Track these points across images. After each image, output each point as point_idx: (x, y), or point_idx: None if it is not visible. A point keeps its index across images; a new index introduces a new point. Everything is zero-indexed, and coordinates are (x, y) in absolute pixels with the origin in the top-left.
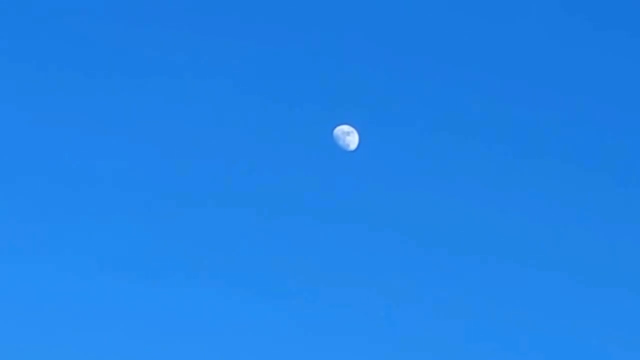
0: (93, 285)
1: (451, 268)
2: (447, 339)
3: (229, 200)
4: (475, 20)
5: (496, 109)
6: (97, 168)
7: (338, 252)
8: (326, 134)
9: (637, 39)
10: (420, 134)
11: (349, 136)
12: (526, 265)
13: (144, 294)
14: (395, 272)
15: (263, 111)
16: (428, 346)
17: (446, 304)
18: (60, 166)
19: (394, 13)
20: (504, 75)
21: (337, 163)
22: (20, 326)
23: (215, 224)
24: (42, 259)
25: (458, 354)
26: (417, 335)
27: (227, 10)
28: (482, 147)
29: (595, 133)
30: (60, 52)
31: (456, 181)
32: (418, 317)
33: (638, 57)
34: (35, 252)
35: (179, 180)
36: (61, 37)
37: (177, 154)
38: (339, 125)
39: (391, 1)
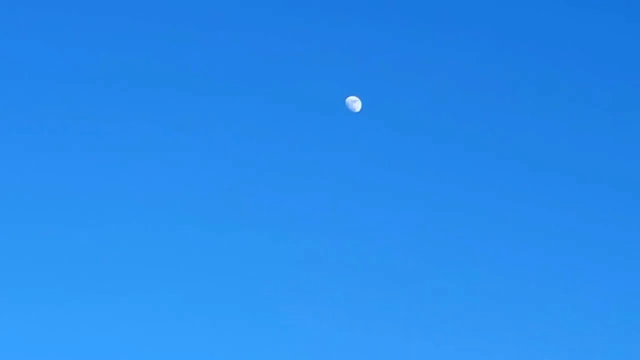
0: None
1: (438, 200)
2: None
3: (271, 137)
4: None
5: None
6: None
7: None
8: (340, 102)
9: None
10: (404, 102)
11: (354, 103)
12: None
13: None
14: (379, 203)
15: (297, 86)
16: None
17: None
18: None
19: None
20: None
21: (347, 121)
22: None
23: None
24: None
25: None
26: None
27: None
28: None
29: None
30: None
31: (432, 133)
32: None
33: None
34: None
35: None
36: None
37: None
38: (348, 95)
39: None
